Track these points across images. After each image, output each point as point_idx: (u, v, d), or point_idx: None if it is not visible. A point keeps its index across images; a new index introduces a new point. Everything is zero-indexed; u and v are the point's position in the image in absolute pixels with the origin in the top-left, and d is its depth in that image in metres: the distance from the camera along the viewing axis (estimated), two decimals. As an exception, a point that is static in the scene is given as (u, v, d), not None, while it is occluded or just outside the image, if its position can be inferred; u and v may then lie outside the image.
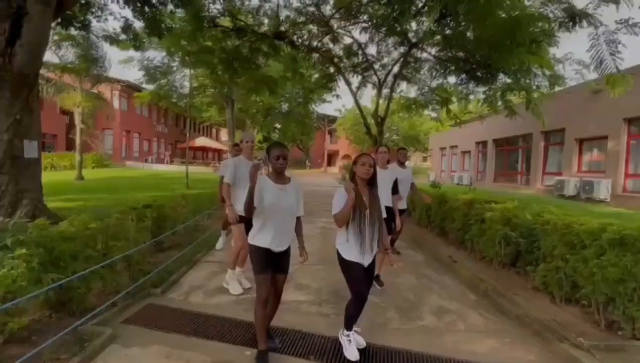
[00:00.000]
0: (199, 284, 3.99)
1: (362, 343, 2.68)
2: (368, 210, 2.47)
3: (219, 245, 5.53)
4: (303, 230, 2.67)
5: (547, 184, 14.10)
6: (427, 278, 4.52)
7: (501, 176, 18.21)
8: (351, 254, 2.47)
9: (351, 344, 2.56)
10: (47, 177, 7.69)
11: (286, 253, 2.57)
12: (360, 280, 2.49)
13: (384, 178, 3.96)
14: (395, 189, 4.13)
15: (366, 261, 2.50)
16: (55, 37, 12.66)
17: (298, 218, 2.61)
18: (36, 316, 2.84)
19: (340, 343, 2.63)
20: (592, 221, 3.26)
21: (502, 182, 17.64)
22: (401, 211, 5.19)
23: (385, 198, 3.90)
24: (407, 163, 5.24)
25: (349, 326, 2.58)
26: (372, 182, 2.52)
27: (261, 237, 2.46)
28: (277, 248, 2.48)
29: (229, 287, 3.81)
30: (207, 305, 3.41)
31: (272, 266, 2.48)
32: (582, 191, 11.66)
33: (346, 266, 2.50)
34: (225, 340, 2.74)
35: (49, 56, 14.05)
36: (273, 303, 2.58)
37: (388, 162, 4.34)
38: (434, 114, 14.67)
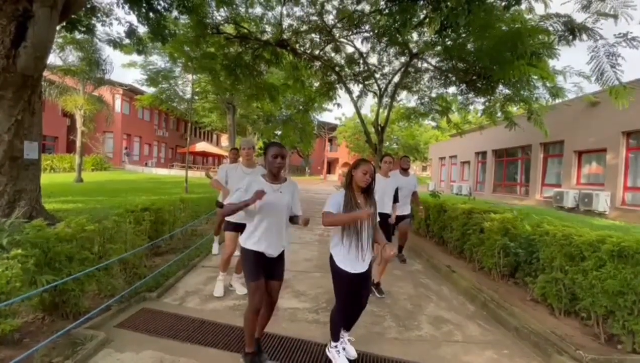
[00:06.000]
0: (195, 289, 3.96)
1: (353, 354, 2.60)
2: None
3: (215, 249, 5.50)
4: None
5: (546, 196, 14.10)
6: (425, 287, 4.49)
7: (500, 186, 18.21)
8: (345, 261, 2.39)
9: (340, 354, 2.47)
10: (46, 179, 7.67)
11: (280, 259, 2.48)
12: (347, 291, 2.41)
13: (385, 187, 4.09)
14: (395, 198, 4.26)
15: (360, 268, 2.42)
16: (60, 40, 12.77)
17: (297, 216, 2.51)
18: (29, 318, 2.81)
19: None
20: (591, 232, 3.25)
21: (501, 193, 17.64)
22: (405, 217, 5.28)
23: (385, 205, 4.02)
24: (410, 171, 5.40)
25: (335, 336, 2.50)
26: (368, 188, 2.46)
27: (253, 240, 2.37)
28: (270, 252, 2.39)
29: (214, 289, 3.83)
30: (203, 311, 3.38)
31: (264, 272, 2.39)
32: (581, 203, 11.66)
33: (337, 274, 2.42)
34: (220, 346, 2.70)
35: (52, 58, 14.21)
36: (266, 312, 2.47)
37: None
38: (433, 124, 14.76)
